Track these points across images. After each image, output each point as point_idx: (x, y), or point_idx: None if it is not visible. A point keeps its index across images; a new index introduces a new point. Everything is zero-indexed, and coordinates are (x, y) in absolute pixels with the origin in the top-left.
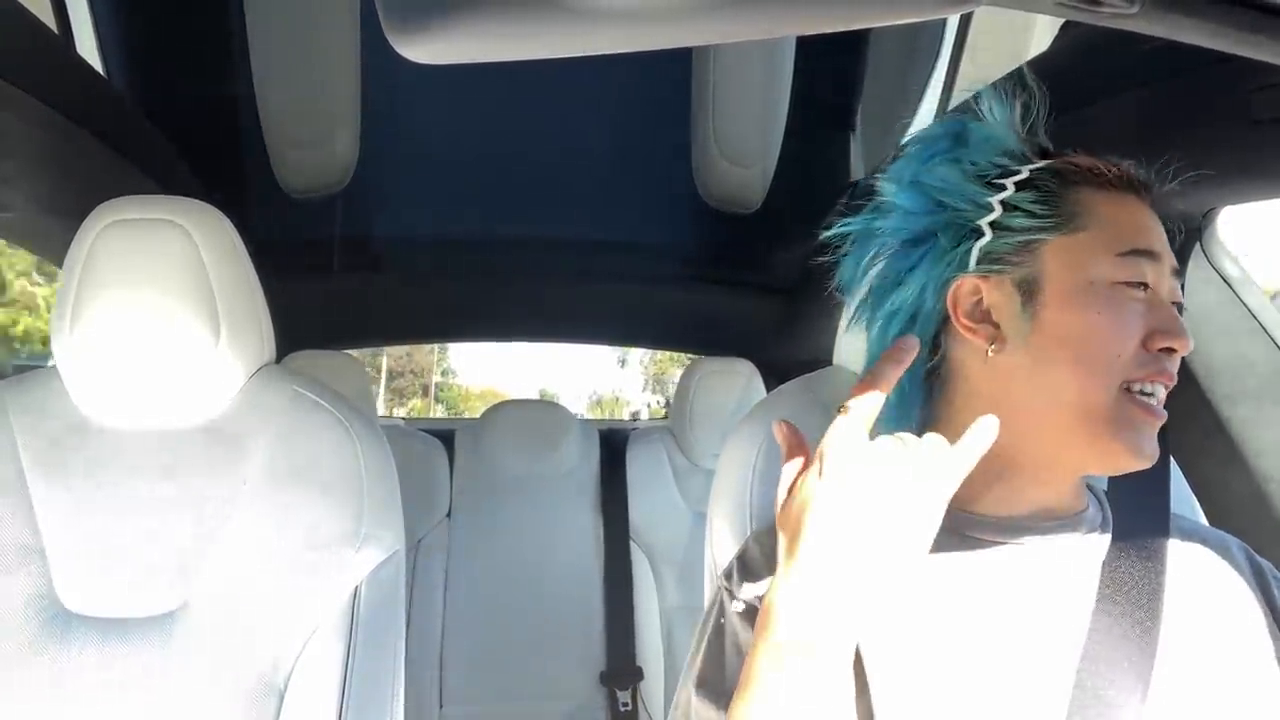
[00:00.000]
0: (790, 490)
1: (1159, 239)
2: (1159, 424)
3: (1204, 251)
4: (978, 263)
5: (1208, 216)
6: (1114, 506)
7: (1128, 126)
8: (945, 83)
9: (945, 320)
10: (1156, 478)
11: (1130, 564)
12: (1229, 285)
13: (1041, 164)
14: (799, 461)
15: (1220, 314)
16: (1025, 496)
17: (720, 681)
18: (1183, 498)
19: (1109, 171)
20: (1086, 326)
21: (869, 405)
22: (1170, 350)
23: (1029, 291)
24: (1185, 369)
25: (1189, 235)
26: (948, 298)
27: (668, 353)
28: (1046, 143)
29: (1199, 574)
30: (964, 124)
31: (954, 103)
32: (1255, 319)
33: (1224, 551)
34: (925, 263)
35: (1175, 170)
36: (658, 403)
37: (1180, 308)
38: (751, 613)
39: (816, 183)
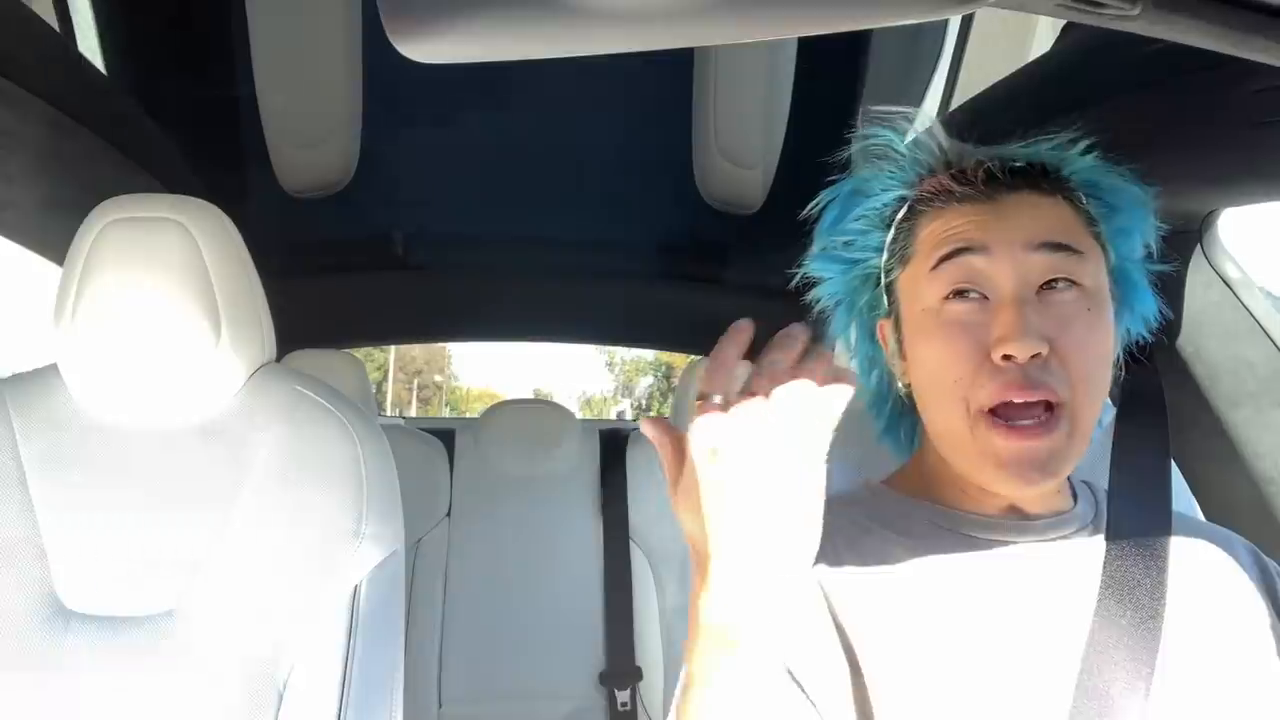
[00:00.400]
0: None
1: (984, 228)
2: (1032, 443)
3: (1205, 253)
4: (887, 304)
5: (1209, 218)
6: (1114, 505)
7: (1128, 128)
8: (947, 84)
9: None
10: (1157, 476)
11: (1131, 563)
12: (1229, 287)
13: (913, 191)
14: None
15: (1221, 316)
16: (991, 500)
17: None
18: (1183, 499)
19: (929, 189)
20: (925, 356)
21: (721, 389)
22: (1009, 357)
23: (897, 327)
24: (1185, 370)
25: (1189, 237)
26: (879, 342)
27: (634, 361)
28: (954, 154)
29: (1202, 571)
30: (861, 179)
31: (955, 104)
32: (1256, 321)
33: (1228, 549)
34: (853, 317)
35: (1176, 172)
36: (631, 405)
37: (1068, 284)
38: None
39: (818, 184)
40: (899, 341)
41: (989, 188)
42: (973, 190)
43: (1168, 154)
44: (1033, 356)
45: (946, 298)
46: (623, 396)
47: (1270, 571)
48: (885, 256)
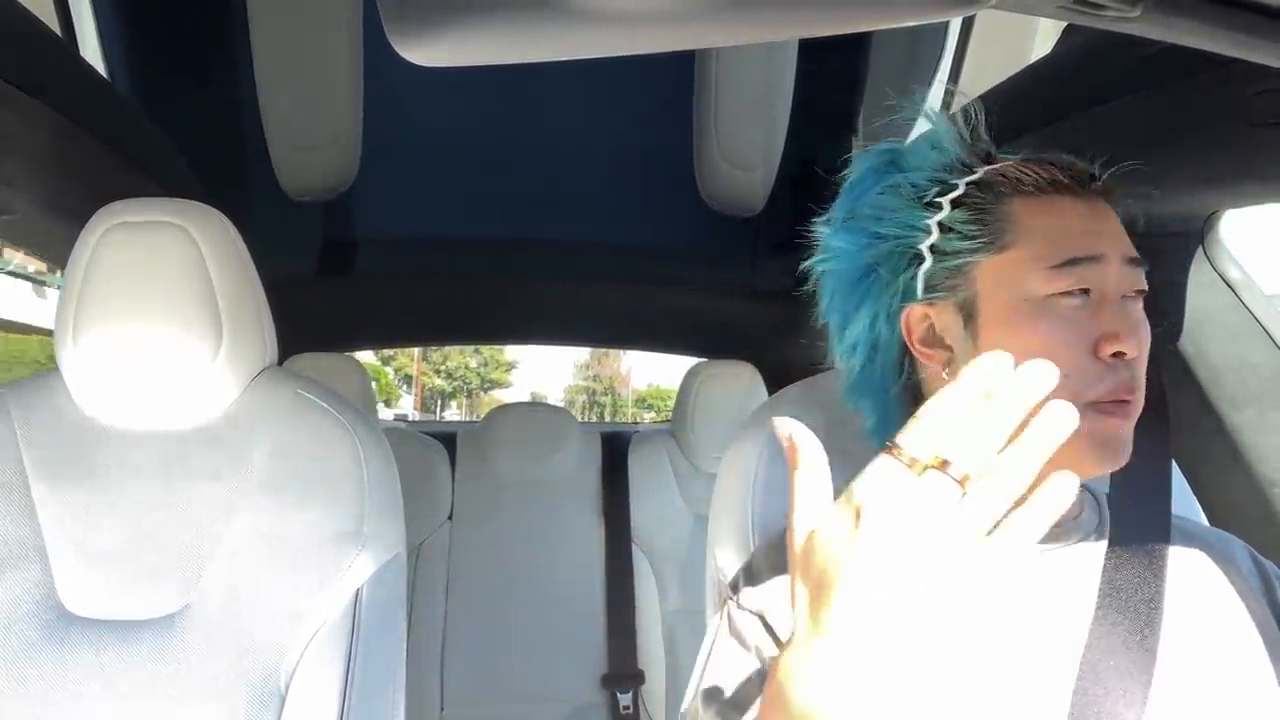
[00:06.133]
0: (811, 530)
1: (1100, 237)
2: (1131, 421)
3: (1206, 255)
4: (924, 288)
5: (1210, 219)
6: (1114, 511)
7: (1129, 130)
8: (948, 86)
9: (905, 345)
10: (1158, 482)
11: (1130, 571)
12: (1231, 288)
13: (976, 175)
14: (820, 489)
15: (1222, 317)
16: None
17: (727, 692)
18: (1185, 502)
19: (1038, 176)
20: (1023, 346)
21: (924, 447)
22: (1120, 354)
23: (969, 314)
24: (1187, 372)
25: (1191, 238)
26: (901, 325)
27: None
28: (989, 147)
29: (1201, 576)
30: (896, 149)
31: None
32: (1258, 322)
33: (1227, 553)
34: (870, 297)
35: (1178, 173)
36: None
37: (1148, 295)
38: (758, 621)
39: (819, 186)
40: (970, 326)
41: (1085, 187)
42: (1075, 184)
43: (1169, 155)
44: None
45: (1060, 294)
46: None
47: (1270, 575)
48: (935, 236)
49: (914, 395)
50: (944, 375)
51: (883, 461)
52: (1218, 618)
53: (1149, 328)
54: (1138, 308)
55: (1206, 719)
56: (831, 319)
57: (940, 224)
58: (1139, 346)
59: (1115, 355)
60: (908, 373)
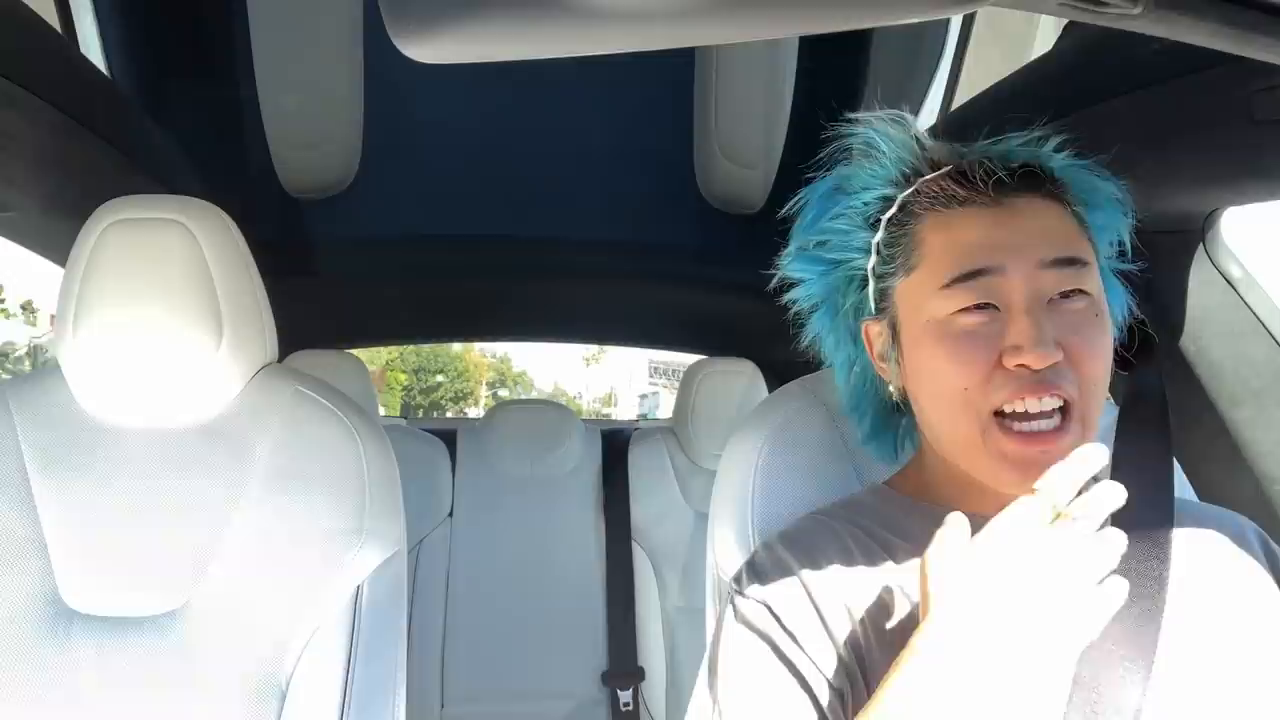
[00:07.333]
0: (942, 541)
1: (998, 249)
2: (1046, 448)
3: (1207, 252)
4: (874, 305)
5: (1211, 217)
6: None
7: (1130, 127)
8: (948, 83)
9: None
10: (1160, 475)
11: (1132, 562)
12: (1232, 286)
13: (906, 193)
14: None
15: (1223, 315)
16: (993, 499)
17: (738, 672)
18: (1185, 498)
19: (940, 190)
20: (930, 365)
21: (1061, 492)
22: (1024, 366)
23: (895, 334)
24: (1188, 369)
25: (1191, 236)
26: (864, 343)
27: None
28: (938, 153)
29: (1211, 557)
30: (842, 173)
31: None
32: (1258, 319)
33: (1237, 533)
34: (835, 319)
35: (1178, 171)
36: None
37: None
38: (764, 608)
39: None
40: (896, 346)
41: (995, 192)
42: (977, 194)
43: (1169, 153)
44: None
45: (960, 311)
46: None
47: (1278, 555)
48: (874, 259)
49: (898, 404)
50: (891, 389)
51: (1023, 499)
52: (1226, 596)
53: (1099, 328)
54: (1072, 307)
55: (1210, 701)
56: (819, 343)
57: (876, 245)
58: (1053, 354)
59: (1019, 366)
60: (893, 384)
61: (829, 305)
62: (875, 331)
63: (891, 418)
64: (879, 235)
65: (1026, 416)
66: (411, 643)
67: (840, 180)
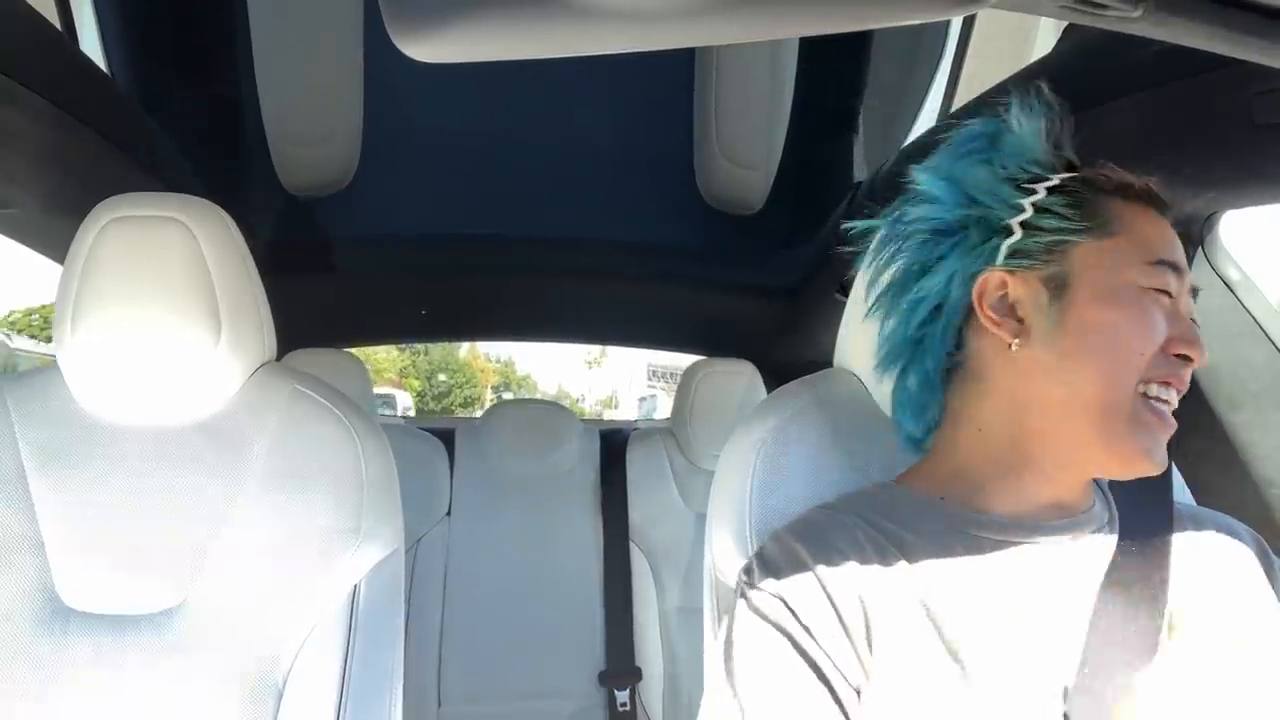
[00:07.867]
0: None
1: (1182, 255)
2: (1169, 433)
3: (1206, 255)
4: (1005, 258)
5: (1210, 220)
6: (1118, 504)
7: (1130, 130)
8: (948, 85)
9: (970, 313)
10: (1159, 477)
11: (1133, 563)
12: (1231, 289)
13: (1071, 174)
14: None
15: (1222, 318)
16: (1036, 494)
17: (754, 664)
18: (1183, 501)
19: (1137, 185)
20: (1115, 324)
21: None
22: (1185, 358)
23: (1057, 288)
24: None
25: (1190, 239)
26: (974, 290)
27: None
28: (1073, 157)
29: (1208, 562)
30: (999, 127)
31: (956, 105)
32: (1257, 322)
33: (1233, 536)
34: (954, 254)
35: (1178, 174)
36: None
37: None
38: (779, 600)
39: (819, 185)
40: (1057, 300)
41: (1156, 201)
42: (1149, 199)
43: (1169, 156)
44: None
45: (1152, 289)
46: None
47: (1272, 559)
48: (1030, 215)
49: (963, 371)
50: (1012, 346)
51: None
52: (1222, 599)
53: None
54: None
55: (1211, 698)
56: (892, 269)
57: (1035, 204)
58: (1200, 361)
59: (1179, 356)
60: (965, 344)
61: (957, 240)
62: (997, 282)
63: (936, 394)
64: (1046, 196)
65: (1165, 400)
66: (409, 642)
67: (995, 136)
